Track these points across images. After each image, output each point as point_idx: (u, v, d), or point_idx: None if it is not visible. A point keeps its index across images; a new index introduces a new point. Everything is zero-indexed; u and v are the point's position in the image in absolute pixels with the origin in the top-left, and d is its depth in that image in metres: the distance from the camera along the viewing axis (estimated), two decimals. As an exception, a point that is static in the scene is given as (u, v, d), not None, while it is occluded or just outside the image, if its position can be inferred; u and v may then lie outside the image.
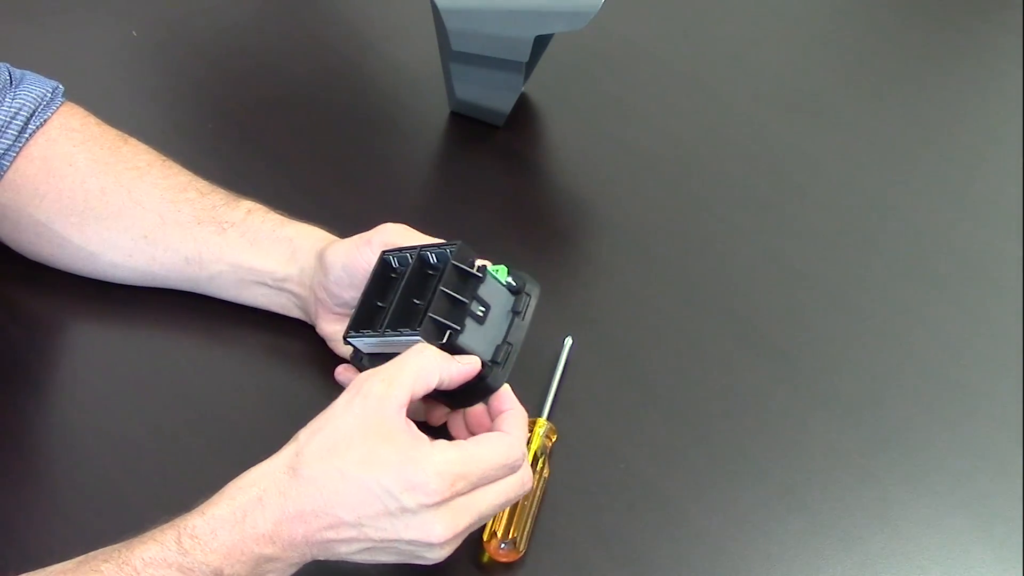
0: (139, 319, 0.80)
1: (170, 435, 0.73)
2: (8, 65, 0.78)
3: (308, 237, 0.75)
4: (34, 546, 0.67)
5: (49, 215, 0.77)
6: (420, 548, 0.58)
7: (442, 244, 0.67)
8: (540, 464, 0.69)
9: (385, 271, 0.69)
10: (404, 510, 0.57)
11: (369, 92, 1.00)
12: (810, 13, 1.09)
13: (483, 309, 0.64)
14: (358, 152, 0.93)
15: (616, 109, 0.97)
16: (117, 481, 0.70)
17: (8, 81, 0.77)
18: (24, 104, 0.76)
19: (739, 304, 0.82)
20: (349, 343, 0.68)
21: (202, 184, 0.78)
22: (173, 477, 0.70)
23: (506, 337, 0.65)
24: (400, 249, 0.68)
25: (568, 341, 0.77)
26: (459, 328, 0.63)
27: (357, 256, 0.70)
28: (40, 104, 0.77)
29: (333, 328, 0.74)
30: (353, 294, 0.70)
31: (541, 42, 0.91)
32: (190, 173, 0.79)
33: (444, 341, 0.63)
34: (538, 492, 0.69)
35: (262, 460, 0.59)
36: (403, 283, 0.66)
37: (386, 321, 0.65)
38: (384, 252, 0.69)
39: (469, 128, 0.95)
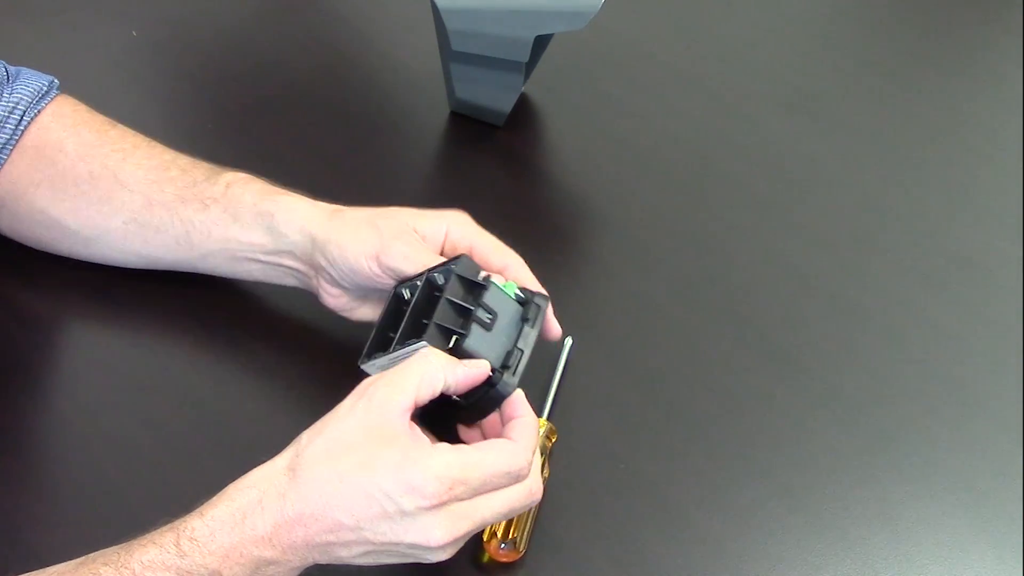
0: (139, 319, 0.80)
1: (170, 435, 0.73)
2: (3, 63, 0.78)
3: (291, 212, 0.73)
4: (34, 546, 0.67)
5: (45, 201, 0.77)
6: (420, 551, 0.58)
7: (447, 261, 0.67)
8: (540, 464, 0.69)
9: (399, 304, 0.68)
10: (403, 513, 0.56)
11: (369, 92, 1.00)
12: (810, 13, 1.09)
13: (490, 316, 0.64)
14: (358, 152, 0.93)
15: (616, 109, 0.97)
16: (117, 481, 0.70)
17: (5, 77, 0.78)
18: (21, 98, 0.77)
19: (739, 304, 0.82)
20: (363, 370, 0.68)
21: (185, 161, 0.77)
22: (173, 477, 0.70)
23: (516, 344, 0.65)
24: (412, 279, 0.68)
25: (568, 341, 0.77)
26: (464, 332, 0.63)
27: (364, 267, 0.70)
28: (36, 97, 0.78)
29: (338, 303, 0.74)
30: (359, 282, 0.71)
31: (541, 42, 0.91)
32: (174, 151, 0.78)
33: (451, 345, 0.63)
34: (538, 492, 0.69)
35: (263, 461, 0.59)
36: (411, 305, 0.66)
37: (396, 340, 0.65)
38: (397, 285, 0.69)
39: (469, 128, 0.95)
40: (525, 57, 0.87)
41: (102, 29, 1.04)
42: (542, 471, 0.69)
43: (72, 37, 1.03)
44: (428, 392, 0.60)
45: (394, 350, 0.65)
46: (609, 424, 0.74)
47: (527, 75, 0.95)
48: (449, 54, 0.90)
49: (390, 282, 0.70)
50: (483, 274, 0.66)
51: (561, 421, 0.73)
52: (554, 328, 0.70)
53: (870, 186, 0.91)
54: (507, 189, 0.91)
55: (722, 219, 0.88)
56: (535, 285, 0.70)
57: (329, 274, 0.72)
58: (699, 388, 0.77)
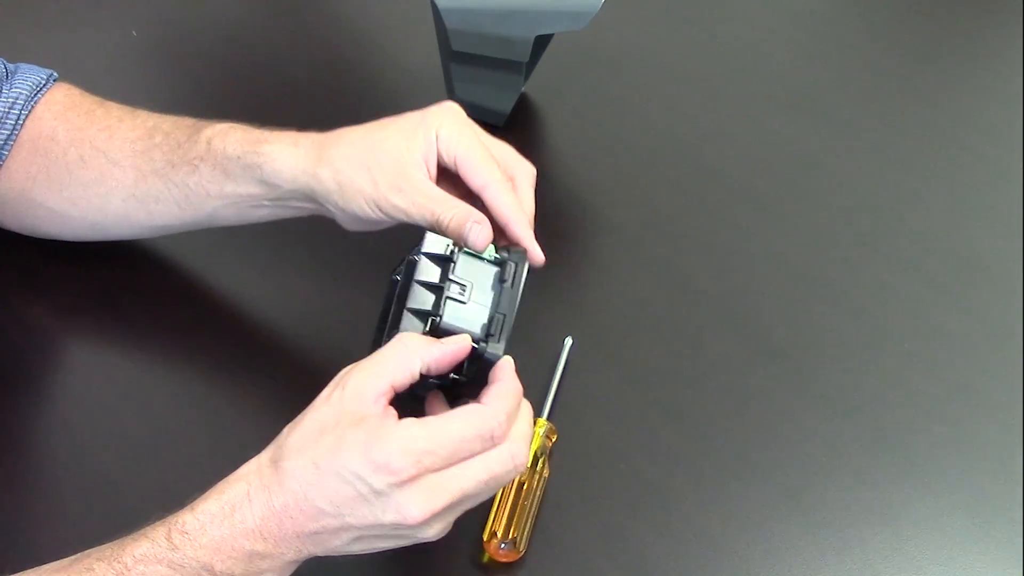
0: (139, 319, 0.81)
1: (170, 435, 0.73)
2: (3, 60, 0.78)
3: (276, 162, 0.71)
4: (34, 546, 0.67)
5: (43, 194, 0.77)
6: (406, 530, 0.57)
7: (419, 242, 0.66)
8: (540, 464, 0.69)
9: (393, 291, 0.68)
10: (376, 493, 0.56)
11: (369, 91, 1.00)
12: (810, 13, 1.09)
13: (462, 288, 0.63)
14: (358, 152, 0.93)
15: (616, 109, 0.97)
16: (117, 481, 0.70)
17: (4, 73, 0.78)
18: (20, 94, 0.77)
19: (739, 304, 0.82)
20: None
21: (168, 124, 0.76)
22: (173, 477, 0.70)
23: (496, 308, 0.63)
24: (401, 261, 0.68)
25: (568, 341, 0.77)
26: (438, 313, 0.62)
27: (369, 213, 0.69)
28: (33, 92, 0.78)
29: (358, 226, 0.73)
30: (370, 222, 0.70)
31: (541, 42, 0.91)
32: (158, 115, 0.77)
33: (427, 330, 0.62)
34: (538, 492, 0.69)
35: (258, 458, 0.59)
36: (396, 294, 0.65)
37: (385, 332, 0.65)
38: (393, 275, 0.69)
39: (469, 128, 0.95)
40: (525, 57, 0.87)
41: (102, 29, 1.04)
42: (542, 471, 0.69)
43: (72, 37, 1.03)
44: (404, 376, 0.59)
45: (384, 343, 0.65)
46: (609, 424, 0.74)
47: (527, 75, 0.95)
48: (449, 54, 0.90)
49: (402, 218, 0.68)
50: (449, 247, 0.64)
51: (561, 421, 0.73)
52: (536, 256, 0.68)
53: (870, 186, 0.91)
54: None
55: (722, 219, 0.88)
56: (511, 211, 0.67)
57: (336, 214, 0.71)
58: (699, 388, 0.77)
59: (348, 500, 0.56)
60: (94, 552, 0.57)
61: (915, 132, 0.95)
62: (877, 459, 0.73)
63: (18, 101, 0.77)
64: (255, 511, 0.57)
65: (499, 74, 0.90)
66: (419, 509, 0.56)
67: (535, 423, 0.71)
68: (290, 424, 0.59)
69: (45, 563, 0.58)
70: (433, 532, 0.58)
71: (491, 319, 0.63)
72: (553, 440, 0.72)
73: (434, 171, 0.69)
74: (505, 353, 0.62)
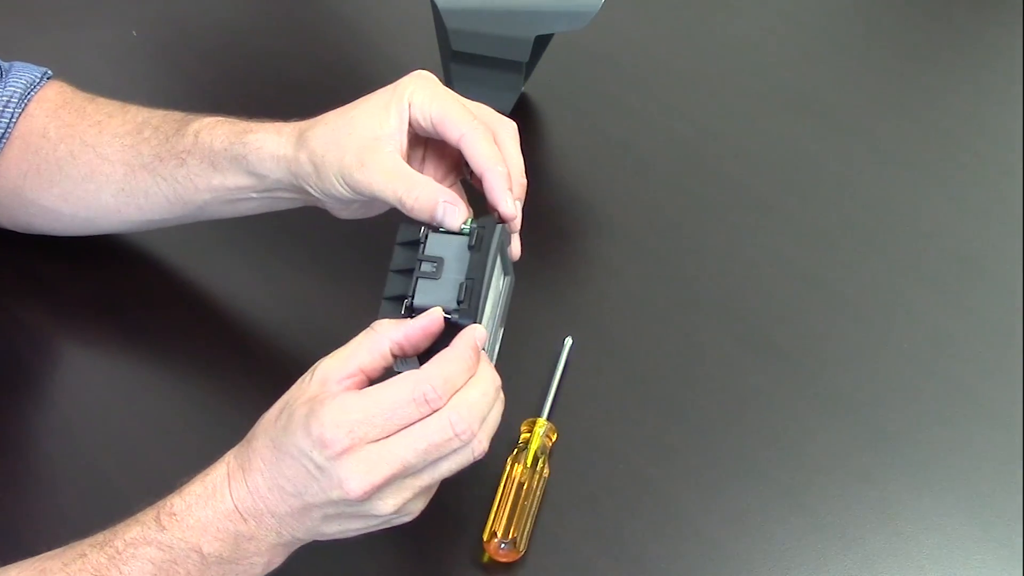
0: (138, 318, 0.81)
1: (170, 434, 0.73)
2: None
3: (260, 151, 0.70)
4: (33, 546, 0.66)
5: (34, 191, 0.77)
6: (357, 507, 0.57)
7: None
8: (540, 464, 0.69)
9: None
10: (319, 468, 0.55)
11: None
12: (810, 13, 1.09)
13: (433, 265, 0.62)
14: (358, 152, 0.92)
15: (616, 109, 0.97)
16: (117, 481, 0.70)
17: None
18: (15, 92, 0.77)
19: (739, 304, 0.82)
20: None
21: (158, 118, 0.75)
22: (172, 477, 0.70)
23: (466, 276, 0.62)
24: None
25: (568, 341, 0.77)
26: (410, 295, 0.61)
27: (346, 194, 0.68)
28: (27, 90, 0.78)
29: (349, 213, 0.72)
30: (353, 202, 0.69)
31: (541, 42, 0.91)
32: (148, 110, 0.77)
33: (403, 314, 0.61)
34: (538, 492, 0.69)
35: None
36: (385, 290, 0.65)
37: None
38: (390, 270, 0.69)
39: (469, 128, 0.95)
40: (525, 57, 0.87)
41: (102, 29, 1.04)
42: (542, 471, 0.69)
43: (72, 37, 1.03)
44: (375, 359, 0.58)
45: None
46: (609, 424, 0.74)
47: (527, 75, 0.95)
48: (449, 54, 0.90)
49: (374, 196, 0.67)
50: (424, 231, 0.64)
51: (561, 421, 0.73)
52: (506, 211, 0.65)
53: (870, 186, 0.91)
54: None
55: (722, 219, 0.88)
56: (489, 159, 0.65)
57: (322, 200, 0.70)
58: (699, 388, 0.77)
59: (301, 478, 0.56)
60: (87, 540, 0.58)
61: (915, 132, 0.95)
62: (877, 459, 0.73)
63: (12, 99, 0.77)
64: (234, 492, 0.58)
65: (499, 74, 0.90)
66: (358, 482, 0.55)
67: (535, 423, 0.71)
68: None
69: (43, 562, 0.58)
70: (388, 508, 0.57)
71: (459, 286, 0.62)
72: (553, 440, 0.72)
73: (405, 144, 0.67)
74: (485, 322, 0.61)
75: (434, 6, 0.87)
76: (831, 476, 0.72)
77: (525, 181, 0.68)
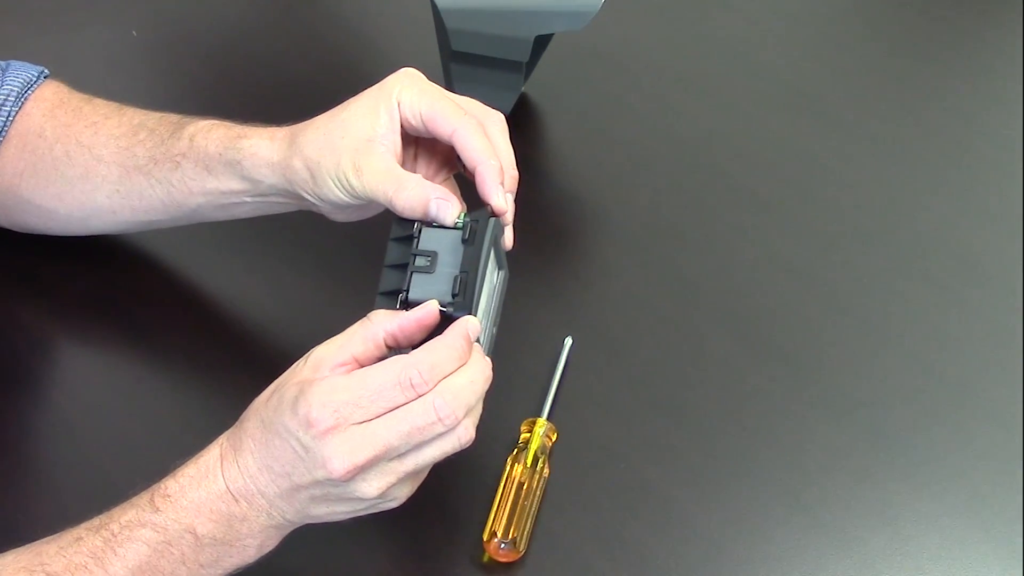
0: (138, 319, 0.81)
1: (170, 434, 0.73)
2: None
3: (255, 157, 0.70)
4: (34, 546, 0.67)
5: (30, 190, 0.77)
6: (342, 488, 0.57)
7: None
8: (540, 464, 0.69)
9: None
10: (305, 448, 0.56)
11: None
12: (810, 13, 1.09)
13: (427, 259, 0.63)
14: (358, 152, 0.92)
15: (616, 109, 0.97)
16: (118, 481, 0.70)
17: None
18: (12, 90, 0.77)
19: (739, 304, 0.82)
20: None
21: (153, 120, 0.75)
22: (173, 477, 0.70)
23: (460, 269, 0.62)
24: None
25: (568, 341, 0.77)
26: (405, 289, 0.62)
27: (343, 199, 0.67)
28: (24, 88, 0.78)
29: (344, 216, 0.72)
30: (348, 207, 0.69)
31: (541, 42, 0.91)
32: (144, 112, 0.77)
33: (398, 308, 0.62)
34: (538, 492, 0.69)
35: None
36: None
37: None
38: None
39: (469, 128, 0.95)
40: (525, 57, 0.87)
41: (102, 29, 1.04)
42: (542, 471, 0.69)
43: (72, 37, 1.03)
44: (368, 347, 0.59)
45: None
46: (609, 424, 0.74)
47: (527, 75, 0.95)
48: (449, 54, 0.90)
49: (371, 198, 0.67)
50: (416, 226, 0.64)
51: (561, 421, 0.73)
52: (498, 205, 0.65)
53: (870, 186, 0.91)
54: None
55: (722, 219, 0.88)
56: (481, 153, 0.65)
57: (317, 204, 0.70)
58: (699, 388, 0.77)
59: (288, 458, 0.57)
60: (83, 524, 0.58)
61: (915, 132, 0.95)
62: (877, 459, 0.73)
63: (9, 98, 0.77)
64: (225, 473, 0.58)
65: (499, 74, 0.90)
66: (341, 462, 0.55)
67: (535, 423, 0.72)
68: None
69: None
70: (373, 491, 0.57)
71: (454, 280, 0.62)
72: (553, 440, 0.72)
73: (399, 144, 0.67)
74: (477, 314, 0.61)
75: (434, 6, 0.87)
76: (831, 476, 0.72)
77: (516, 173, 0.68)
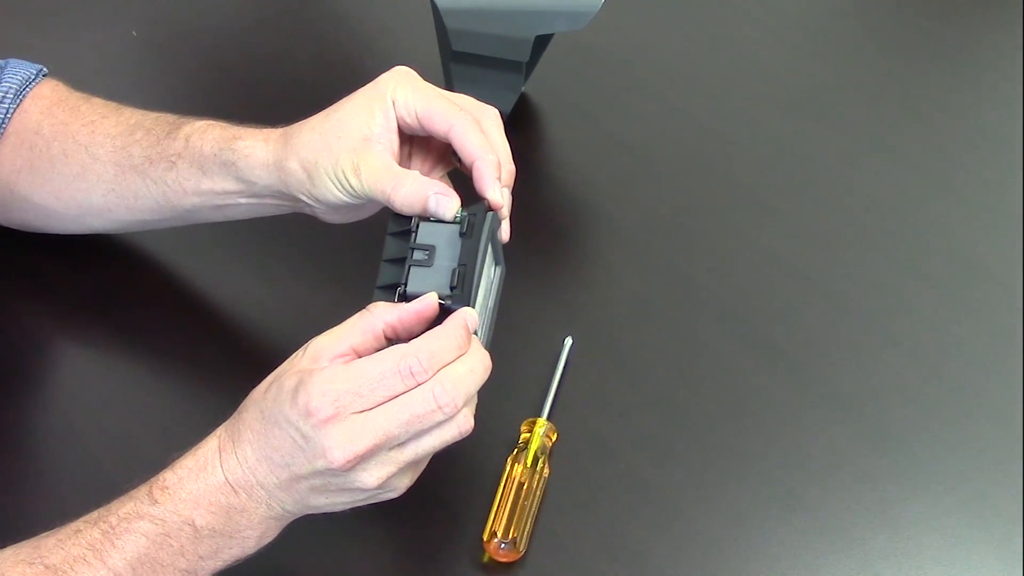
0: (139, 318, 0.81)
1: (170, 435, 0.73)
2: None
3: (249, 159, 0.70)
4: (34, 546, 0.67)
5: (27, 188, 0.77)
6: (342, 478, 0.57)
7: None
8: (540, 464, 0.69)
9: None
10: (304, 437, 0.56)
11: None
12: (809, 13, 1.09)
13: (425, 253, 0.63)
14: (358, 152, 0.92)
15: (616, 109, 0.97)
16: (118, 481, 0.70)
17: None
18: (10, 88, 0.77)
19: (739, 304, 0.82)
20: None
21: (150, 120, 0.75)
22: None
23: (459, 262, 0.62)
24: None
25: (568, 341, 0.77)
26: (403, 283, 0.62)
27: (340, 199, 0.67)
28: (22, 86, 0.78)
29: (338, 217, 0.72)
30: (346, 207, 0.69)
31: (541, 42, 0.91)
32: (142, 112, 0.77)
33: (396, 301, 0.62)
34: (538, 492, 0.69)
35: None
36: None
37: None
38: None
39: (469, 128, 0.95)
40: (525, 57, 0.87)
41: (102, 29, 1.04)
42: (542, 471, 0.69)
43: (72, 37, 1.03)
44: (367, 339, 0.59)
45: None
46: (609, 424, 0.74)
47: (527, 75, 0.95)
48: (449, 54, 0.90)
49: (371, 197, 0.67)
50: (414, 221, 0.64)
51: (561, 421, 0.73)
52: (495, 200, 0.65)
53: (870, 186, 0.91)
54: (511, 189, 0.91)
55: (722, 219, 0.88)
56: (479, 148, 0.65)
57: (313, 206, 0.70)
58: (699, 388, 0.77)
59: (288, 448, 0.57)
60: (82, 518, 0.59)
61: (915, 132, 0.95)
62: (877, 459, 0.73)
63: (8, 95, 0.77)
64: (224, 464, 0.58)
65: (499, 74, 0.90)
66: (341, 451, 0.55)
67: (535, 423, 0.72)
68: None
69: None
70: (372, 481, 0.57)
71: (452, 272, 0.62)
72: (553, 440, 0.72)
73: (396, 142, 0.67)
74: (481, 308, 0.62)
75: (434, 6, 0.87)
76: (831, 476, 0.72)
77: (513, 167, 0.67)
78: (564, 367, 0.76)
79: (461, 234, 0.63)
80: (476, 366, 0.59)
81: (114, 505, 0.59)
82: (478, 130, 0.66)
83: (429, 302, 0.60)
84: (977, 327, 0.80)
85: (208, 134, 0.72)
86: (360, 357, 0.58)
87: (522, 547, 0.67)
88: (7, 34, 1.03)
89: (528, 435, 0.71)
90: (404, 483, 0.60)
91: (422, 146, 0.71)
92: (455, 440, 0.59)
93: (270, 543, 0.61)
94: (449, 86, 0.94)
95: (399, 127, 0.67)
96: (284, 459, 0.57)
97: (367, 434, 0.56)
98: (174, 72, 1.01)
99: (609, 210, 0.89)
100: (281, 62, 1.02)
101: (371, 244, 0.74)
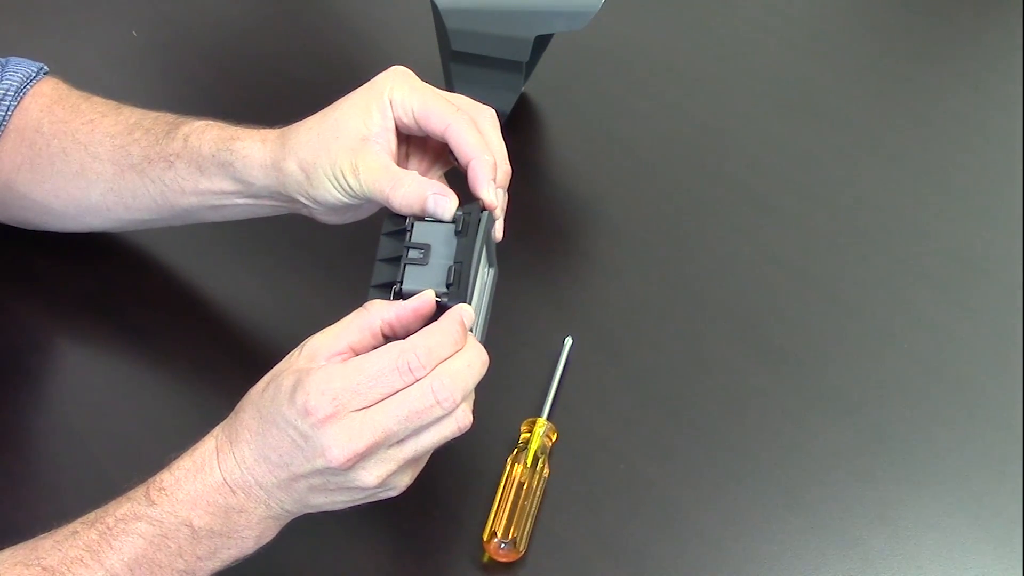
0: (138, 318, 0.81)
1: (170, 435, 0.73)
2: None
3: (247, 159, 0.70)
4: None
5: (27, 185, 0.77)
6: (342, 477, 0.57)
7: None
8: (540, 464, 0.69)
9: None
10: (304, 436, 0.56)
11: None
12: (809, 13, 1.09)
13: (421, 252, 0.63)
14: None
15: (616, 109, 0.97)
16: (117, 481, 0.70)
17: None
18: (11, 86, 0.78)
19: (739, 304, 0.82)
20: None
21: (150, 120, 0.76)
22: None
23: (454, 260, 0.62)
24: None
25: (568, 341, 0.77)
26: (398, 281, 0.62)
27: (338, 200, 0.68)
28: (23, 84, 0.78)
29: (335, 218, 0.72)
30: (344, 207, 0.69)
31: (541, 42, 0.91)
32: (141, 111, 0.77)
33: (392, 299, 0.62)
34: (538, 492, 0.69)
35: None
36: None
37: None
38: None
39: (469, 128, 0.95)
40: (525, 57, 0.87)
41: (102, 29, 1.04)
42: (542, 471, 0.69)
43: (72, 37, 1.03)
44: (364, 337, 0.59)
45: None
46: (609, 424, 0.74)
47: (527, 75, 0.95)
48: (449, 54, 0.90)
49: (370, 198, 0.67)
50: (409, 220, 0.64)
51: (561, 421, 0.73)
52: (488, 200, 0.65)
53: (869, 185, 0.91)
54: (507, 189, 0.91)
55: (722, 219, 0.88)
56: (475, 148, 0.65)
57: (310, 207, 0.70)
58: (699, 388, 0.77)
59: (286, 448, 0.57)
60: (79, 519, 0.59)
61: (915, 132, 0.95)
62: (877, 459, 0.73)
63: (8, 93, 0.77)
64: (222, 465, 0.58)
65: (499, 74, 0.90)
66: (340, 449, 0.55)
67: (535, 423, 0.72)
68: None
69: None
70: (372, 479, 0.57)
71: (448, 270, 0.62)
72: (553, 440, 0.72)
73: (394, 142, 0.67)
74: (474, 304, 0.61)
75: (434, 6, 0.87)
76: (831, 476, 0.72)
77: (509, 167, 0.68)
78: (564, 367, 0.76)
79: (456, 233, 0.63)
80: (474, 361, 0.59)
81: (111, 506, 0.58)
82: (475, 130, 0.66)
83: (426, 299, 0.60)
84: (977, 327, 0.80)
85: (206, 134, 0.72)
86: (357, 355, 0.58)
87: (522, 547, 0.67)
88: (7, 34, 1.03)
89: (528, 435, 0.71)
90: (404, 481, 0.60)
91: (419, 146, 0.71)
92: (454, 436, 0.58)
93: (269, 543, 0.60)
94: (449, 86, 0.94)
95: (396, 127, 0.67)
96: (283, 459, 0.57)
97: (366, 432, 0.55)
98: (174, 72, 1.01)
99: (609, 210, 0.89)
100: (281, 62, 1.02)
101: (372, 245, 0.74)
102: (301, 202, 0.69)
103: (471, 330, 0.61)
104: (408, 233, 0.63)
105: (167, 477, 0.58)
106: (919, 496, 0.71)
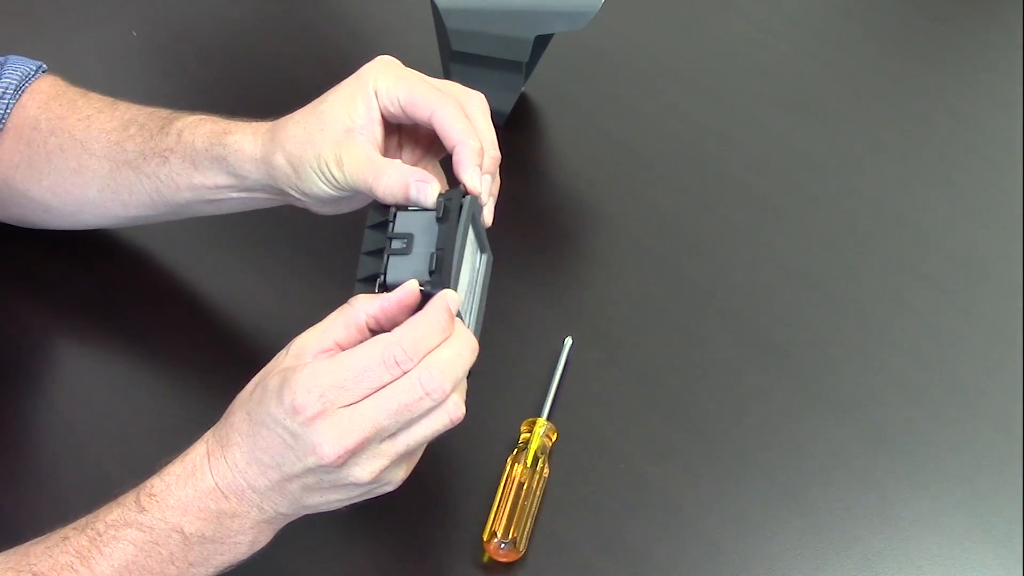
0: (138, 318, 0.81)
1: (170, 435, 0.73)
2: None
3: (240, 153, 0.70)
4: (34, 546, 0.67)
5: (24, 182, 0.77)
6: (335, 474, 0.56)
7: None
8: (540, 464, 0.69)
9: None
10: (293, 435, 0.55)
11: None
12: (810, 13, 1.09)
13: (403, 242, 0.62)
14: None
15: (616, 109, 0.97)
16: (118, 481, 0.70)
17: None
18: (10, 83, 0.78)
19: (739, 304, 0.82)
20: None
21: (144, 116, 0.75)
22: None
23: (436, 247, 0.61)
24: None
25: (568, 341, 0.77)
26: (382, 272, 0.61)
27: (325, 193, 0.67)
28: (22, 82, 0.78)
29: (330, 209, 0.71)
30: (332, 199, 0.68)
31: (541, 42, 0.91)
32: (137, 107, 0.76)
33: (377, 292, 0.61)
34: (538, 492, 0.69)
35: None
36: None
37: None
38: None
39: (469, 128, 0.95)
40: (525, 57, 0.87)
41: (102, 29, 1.04)
42: (542, 471, 0.69)
43: (72, 37, 1.03)
44: (350, 332, 0.58)
45: None
46: (609, 424, 0.74)
47: (527, 75, 0.95)
48: (449, 54, 0.90)
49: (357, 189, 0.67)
50: (392, 211, 0.63)
51: (561, 421, 0.73)
52: (472, 186, 0.64)
53: (870, 186, 0.91)
54: (507, 189, 0.90)
55: (722, 219, 0.88)
56: (461, 133, 0.64)
57: (301, 199, 0.70)
58: (699, 388, 0.77)
59: (277, 448, 0.56)
60: (70, 524, 0.58)
61: (915, 132, 0.95)
62: (877, 459, 0.73)
63: (7, 91, 0.77)
64: (214, 470, 0.58)
65: (499, 74, 0.90)
66: (331, 446, 0.55)
67: (535, 423, 0.72)
68: None
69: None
70: (366, 475, 0.56)
71: (430, 257, 0.61)
72: (553, 440, 0.72)
73: (379, 133, 0.67)
74: (458, 293, 0.60)
75: (434, 6, 0.87)
76: (831, 476, 0.72)
77: (498, 153, 0.67)
78: (564, 367, 0.76)
79: (437, 219, 0.62)
80: (462, 349, 0.58)
81: (102, 512, 0.58)
82: (461, 115, 0.66)
83: (410, 289, 0.59)
84: (977, 327, 0.80)
85: (200, 129, 0.72)
86: (342, 347, 0.58)
87: (522, 547, 0.67)
88: (7, 33, 1.03)
89: (528, 435, 0.71)
90: (399, 476, 0.59)
91: (411, 136, 0.71)
92: (446, 428, 0.57)
93: (265, 547, 0.60)
94: (449, 86, 0.94)
95: (384, 117, 0.67)
96: (274, 459, 0.56)
97: (356, 427, 0.55)
98: (174, 72, 1.01)
99: (609, 210, 0.89)
100: (281, 62, 1.02)
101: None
102: (291, 195, 0.69)
103: (460, 316, 0.60)
104: (391, 224, 0.63)
105: (157, 483, 0.58)
106: (919, 496, 0.71)
